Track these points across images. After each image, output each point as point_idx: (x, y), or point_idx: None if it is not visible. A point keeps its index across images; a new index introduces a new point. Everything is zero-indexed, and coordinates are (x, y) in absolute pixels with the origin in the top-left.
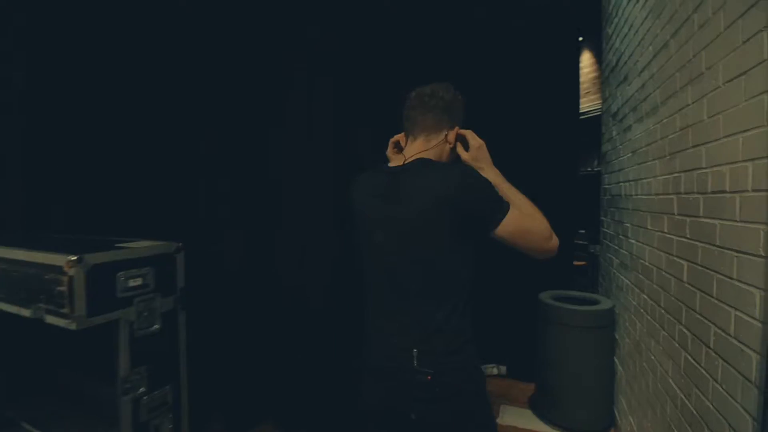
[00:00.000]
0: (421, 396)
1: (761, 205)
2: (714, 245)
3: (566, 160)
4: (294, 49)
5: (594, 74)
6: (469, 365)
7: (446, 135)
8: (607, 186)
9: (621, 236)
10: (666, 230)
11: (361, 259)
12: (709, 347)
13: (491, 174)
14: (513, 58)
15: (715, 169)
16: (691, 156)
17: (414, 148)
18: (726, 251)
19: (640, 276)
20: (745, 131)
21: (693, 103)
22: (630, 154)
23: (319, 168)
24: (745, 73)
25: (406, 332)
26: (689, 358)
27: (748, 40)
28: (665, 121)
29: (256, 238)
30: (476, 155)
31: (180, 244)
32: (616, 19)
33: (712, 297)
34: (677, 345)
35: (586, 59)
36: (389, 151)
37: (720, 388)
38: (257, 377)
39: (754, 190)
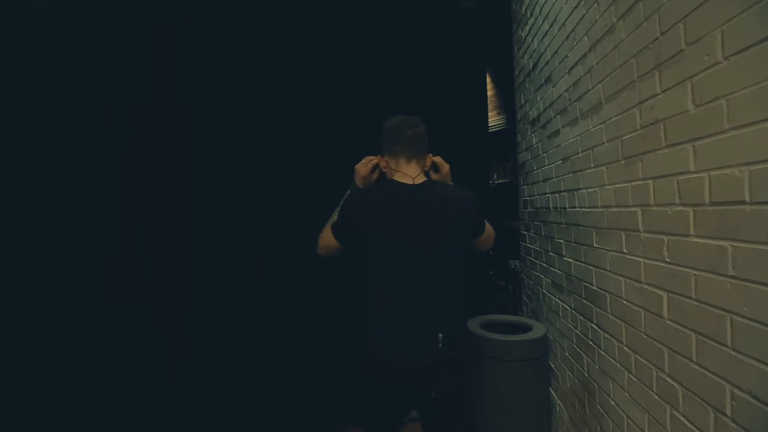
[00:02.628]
0: (447, 372)
1: None
2: (721, 275)
3: (479, 174)
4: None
5: (491, 92)
6: (465, 342)
7: (426, 159)
8: (527, 198)
9: (551, 253)
10: (626, 251)
11: (369, 264)
12: (721, 413)
13: None
14: (426, 79)
15: (717, 172)
16: (666, 158)
17: (412, 169)
18: (749, 284)
19: (586, 302)
20: None
21: (666, 91)
22: (559, 162)
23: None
24: None
25: (430, 323)
26: (684, 420)
27: None
28: (616, 119)
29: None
30: (445, 176)
31: None
32: (531, 20)
33: (725, 346)
34: (657, 398)
35: None
36: (366, 171)
37: None
38: None
39: None
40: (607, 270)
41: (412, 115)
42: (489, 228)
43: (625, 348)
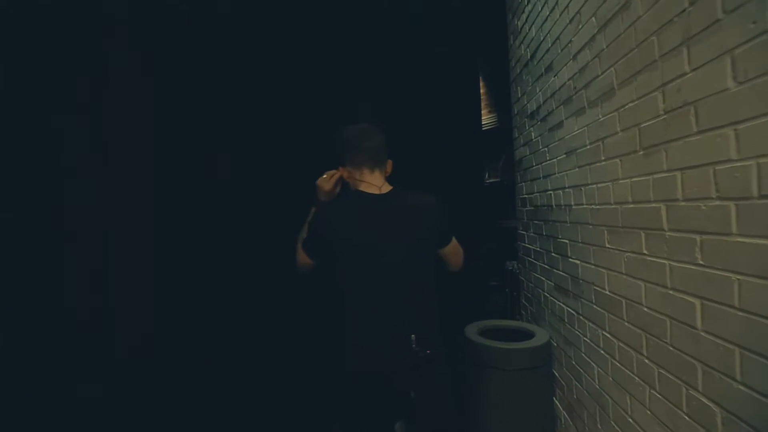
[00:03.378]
0: (423, 372)
1: None
2: None
3: (473, 173)
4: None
5: (481, 90)
6: (440, 341)
7: (387, 167)
8: (526, 196)
9: (554, 254)
10: (646, 252)
11: (344, 275)
12: None
13: None
14: (418, 80)
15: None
16: (698, 145)
17: (376, 178)
18: None
19: (597, 308)
20: None
21: (697, 69)
22: (563, 156)
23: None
24: None
25: (408, 324)
26: None
27: None
28: (632, 105)
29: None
30: None
31: None
32: (529, 7)
33: None
34: (688, 419)
35: None
36: (330, 186)
37: None
38: None
39: None
40: (622, 273)
41: (372, 124)
42: (457, 245)
43: (646, 360)
